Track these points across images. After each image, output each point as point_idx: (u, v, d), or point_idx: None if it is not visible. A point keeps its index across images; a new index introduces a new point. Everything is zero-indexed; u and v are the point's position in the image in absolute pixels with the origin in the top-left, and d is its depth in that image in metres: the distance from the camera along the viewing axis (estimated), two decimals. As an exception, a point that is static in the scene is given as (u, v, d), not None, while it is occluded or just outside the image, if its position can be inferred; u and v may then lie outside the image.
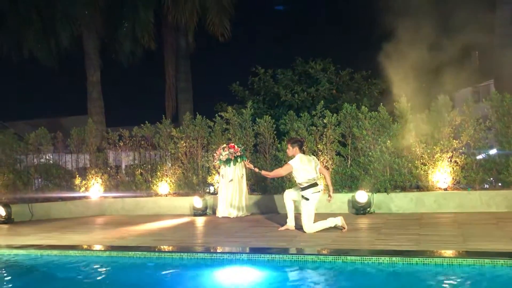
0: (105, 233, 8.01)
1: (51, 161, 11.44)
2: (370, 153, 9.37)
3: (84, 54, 16.60)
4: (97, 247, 6.56)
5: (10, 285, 5.25)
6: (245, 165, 8.76)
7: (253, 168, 7.28)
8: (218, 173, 9.90)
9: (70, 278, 5.50)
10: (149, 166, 11.27)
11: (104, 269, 5.82)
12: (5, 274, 5.84)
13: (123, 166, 11.89)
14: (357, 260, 5.11)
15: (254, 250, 5.71)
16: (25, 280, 5.52)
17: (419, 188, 9.14)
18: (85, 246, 6.62)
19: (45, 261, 6.25)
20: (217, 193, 9.83)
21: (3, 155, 10.87)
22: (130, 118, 14.81)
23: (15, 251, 6.60)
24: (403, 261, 4.94)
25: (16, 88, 20.47)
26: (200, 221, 9.07)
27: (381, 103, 9.81)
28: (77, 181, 11.17)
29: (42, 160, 11.33)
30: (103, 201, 11.04)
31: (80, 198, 10.97)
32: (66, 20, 16.13)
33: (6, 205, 9.61)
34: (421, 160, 9.16)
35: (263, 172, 7.35)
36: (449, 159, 9.01)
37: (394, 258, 4.99)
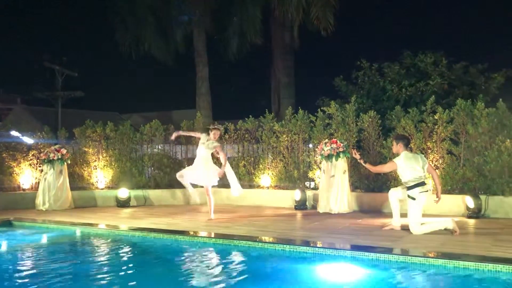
0: (211, 221, 8.37)
1: (162, 151, 12.25)
2: (486, 153, 8.67)
3: (194, 51, 17.54)
4: (203, 234, 6.90)
5: (126, 264, 5.74)
6: (351, 153, 8.48)
7: (359, 158, 7.09)
8: (320, 168, 9.84)
9: (177, 261, 5.86)
10: (252, 159, 11.56)
11: (209, 255, 6.11)
12: (122, 252, 6.40)
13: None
14: (470, 266, 4.77)
15: (358, 248, 5.59)
16: (138, 259, 6.00)
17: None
18: (191, 233, 6.99)
19: (156, 244, 6.75)
20: (318, 188, 9.79)
21: (122, 145, 11.86)
22: (235, 112, 15.34)
23: (131, 233, 7.22)
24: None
25: (130, 83, 22.33)
26: (300, 215, 9.11)
27: (500, 99, 9.01)
28: (186, 170, 11.81)
29: (155, 150, 12.17)
30: (208, 190, 11.52)
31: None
32: (179, 20, 17.22)
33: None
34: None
35: (367, 165, 7.16)
36: None
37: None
